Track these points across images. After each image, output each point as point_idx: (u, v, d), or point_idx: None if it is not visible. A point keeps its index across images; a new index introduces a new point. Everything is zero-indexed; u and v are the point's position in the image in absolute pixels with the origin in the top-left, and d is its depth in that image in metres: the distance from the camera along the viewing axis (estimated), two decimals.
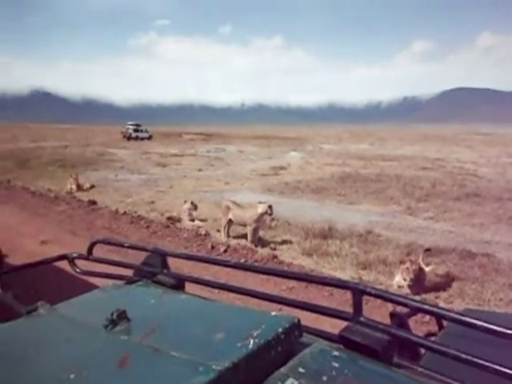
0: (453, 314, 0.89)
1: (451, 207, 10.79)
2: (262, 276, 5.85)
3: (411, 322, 2.03)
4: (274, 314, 0.87)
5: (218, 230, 8.33)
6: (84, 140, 38.86)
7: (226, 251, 7.22)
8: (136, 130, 42.51)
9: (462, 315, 0.86)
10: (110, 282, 1.40)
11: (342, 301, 4.96)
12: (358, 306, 0.95)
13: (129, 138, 40.71)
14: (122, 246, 1.53)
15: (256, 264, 6.24)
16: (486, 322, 0.81)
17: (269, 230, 8.39)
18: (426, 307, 0.95)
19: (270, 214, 7.78)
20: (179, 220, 9.13)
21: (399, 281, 5.59)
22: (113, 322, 0.89)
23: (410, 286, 5.44)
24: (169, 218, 9.19)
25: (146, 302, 1.06)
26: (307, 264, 6.54)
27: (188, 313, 0.99)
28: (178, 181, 15.24)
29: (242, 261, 6.31)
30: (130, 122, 44.62)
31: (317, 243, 7.39)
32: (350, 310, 0.97)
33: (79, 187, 12.80)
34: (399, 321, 1.21)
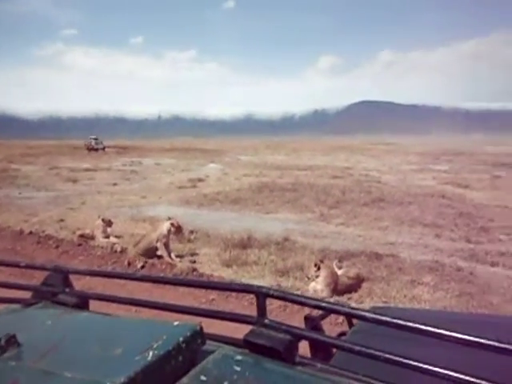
0: (358, 312, 0.90)
1: (359, 212, 11.57)
2: (182, 290, 5.75)
3: (326, 324, 2.12)
4: (176, 323, 0.86)
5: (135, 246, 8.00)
6: None
7: (143, 267, 6.98)
8: (96, 143, 50.52)
9: (367, 312, 0.88)
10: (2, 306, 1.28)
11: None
12: (261, 309, 0.93)
13: (90, 149, 47.50)
14: (17, 266, 1.40)
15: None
16: (390, 317, 0.82)
17: (188, 243, 8.26)
18: (332, 306, 0.94)
19: (178, 231, 7.54)
20: (93, 237, 8.59)
21: (314, 285, 5.86)
22: (1, 349, 0.82)
23: (322, 290, 5.72)
24: (81, 236, 8.61)
25: (42, 325, 0.99)
26: (227, 274, 6.56)
27: (87, 331, 0.95)
28: (90, 196, 14.38)
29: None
30: (92, 136, 53.26)
31: (236, 253, 7.44)
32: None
33: None
34: (311, 323, 1.22)
